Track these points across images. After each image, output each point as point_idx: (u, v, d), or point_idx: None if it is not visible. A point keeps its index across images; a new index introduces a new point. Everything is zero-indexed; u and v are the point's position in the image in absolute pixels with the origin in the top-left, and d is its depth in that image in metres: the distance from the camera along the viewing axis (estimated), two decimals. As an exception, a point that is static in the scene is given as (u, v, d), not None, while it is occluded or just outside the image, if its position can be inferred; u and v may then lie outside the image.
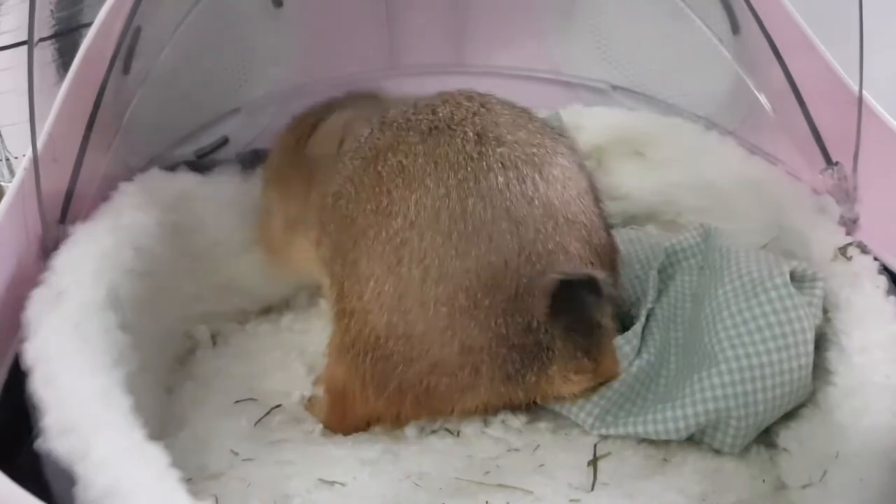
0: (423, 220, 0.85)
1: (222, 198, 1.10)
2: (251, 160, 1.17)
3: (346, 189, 0.92)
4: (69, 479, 0.65)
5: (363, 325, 0.88)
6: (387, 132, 0.92)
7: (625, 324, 0.95)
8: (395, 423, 0.91)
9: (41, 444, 0.68)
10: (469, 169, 0.87)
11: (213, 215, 1.08)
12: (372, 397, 0.89)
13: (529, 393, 0.88)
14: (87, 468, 0.65)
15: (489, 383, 0.86)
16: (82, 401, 0.71)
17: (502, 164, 0.87)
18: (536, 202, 0.86)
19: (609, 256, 0.93)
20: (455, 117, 0.91)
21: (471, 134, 0.89)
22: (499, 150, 0.88)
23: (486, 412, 0.91)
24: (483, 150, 0.88)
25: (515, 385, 0.87)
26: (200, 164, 1.14)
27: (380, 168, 0.89)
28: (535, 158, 0.89)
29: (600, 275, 0.86)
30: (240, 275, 1.09)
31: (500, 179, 0.86)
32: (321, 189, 0.98)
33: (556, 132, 0.97)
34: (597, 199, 0.95)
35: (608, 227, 0.95)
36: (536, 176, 0.88)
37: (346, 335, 0.89)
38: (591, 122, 1.21)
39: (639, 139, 1.21)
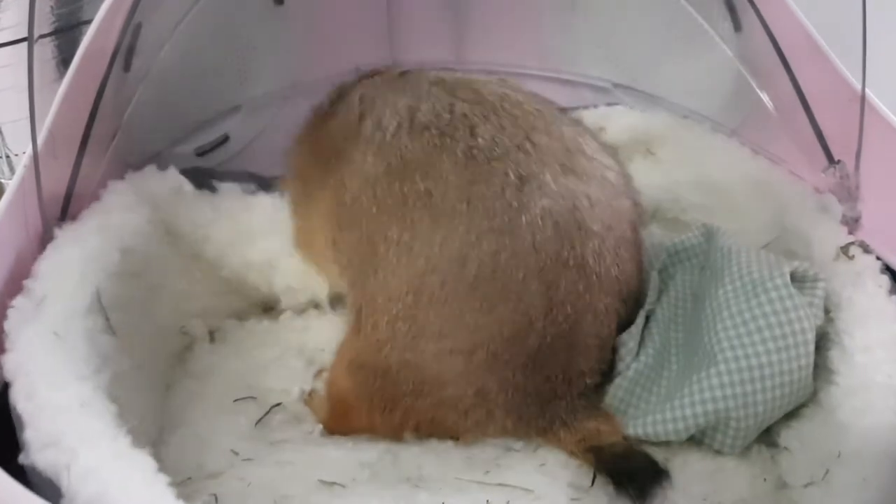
0: (447, 266, 0.80)
1: (216, 197, 1.08)
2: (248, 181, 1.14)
3: (365, 197, 0.86)
4: (54, 492, 0.64)
5: (377, 354, 0.85)
6: (417, 141, 0.85)
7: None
8: (395, 437, 0.89)
9: (23, 459, 0.67)
10: (506, 219, 0.80)
11: (207, 213, 1.06)
12: (376, 417, 0.87)
13: (538, 435, 0.87)
14: (71, 480, 0.64)
15: (500, 423, 0.85)
16: (63, 412, 0.69)
17: (543, 220, 0.80)
18: (571, 263, 0.81)
19: (635, 298, 0.90)
20: (497, 147, 0.82)
21: (512, 176, 0.81)
22: (542, 202, 0.81)
23: None
24: (524, 199, 0.80)
25: (527, 427, 0.86)
26: (200, 175, 1.11)
27: (405, 190, 0.83)
28: (578, 214, 0.82)
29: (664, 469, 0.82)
30: (235, 272, 1.08)
31: (538, 238, 0.80)
32: (338, 175, 0.92)
33: (614, 163, 0.90)
34: (636, 235, 0.90)
35: (640, 268, 0.91)
36: (575, 233, 0.81)
37: (360, 355, 0.88)
38: (611, 123, 1.20)
39: (652, 139, 1.20)
